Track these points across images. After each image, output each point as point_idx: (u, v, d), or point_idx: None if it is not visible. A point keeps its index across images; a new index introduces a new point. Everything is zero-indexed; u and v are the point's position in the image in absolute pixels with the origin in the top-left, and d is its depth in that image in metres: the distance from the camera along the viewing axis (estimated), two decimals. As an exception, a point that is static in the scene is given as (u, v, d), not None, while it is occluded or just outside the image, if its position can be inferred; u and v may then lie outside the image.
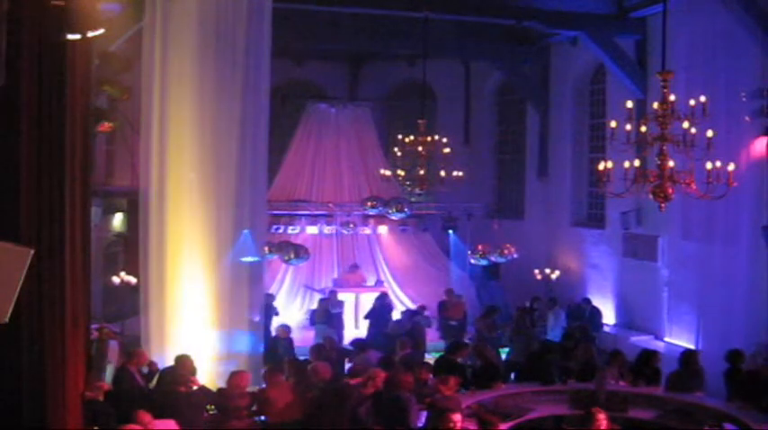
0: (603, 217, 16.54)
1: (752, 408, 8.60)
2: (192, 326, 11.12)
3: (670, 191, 7.65)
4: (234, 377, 8.84)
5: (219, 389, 9.13)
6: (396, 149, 14.31)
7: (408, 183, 14.22)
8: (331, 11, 14.80)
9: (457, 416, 7.12)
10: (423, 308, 14.86)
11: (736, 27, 11.82)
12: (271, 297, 14.71)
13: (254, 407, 8.74)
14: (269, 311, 14.05)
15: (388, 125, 19.72)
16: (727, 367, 9.67)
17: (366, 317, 14.77)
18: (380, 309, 14.63)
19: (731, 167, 7.60)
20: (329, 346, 10.98)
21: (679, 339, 13.38)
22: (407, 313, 14.79)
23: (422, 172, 13.76)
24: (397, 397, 8.02)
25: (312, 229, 17.43)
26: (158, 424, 7.53)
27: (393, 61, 19.77)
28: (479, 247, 16.58)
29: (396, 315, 15.05)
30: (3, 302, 4.53)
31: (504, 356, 12.66)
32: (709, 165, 7.58)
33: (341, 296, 15.19)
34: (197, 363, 9.58)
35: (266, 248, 14.16)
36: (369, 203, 16.43)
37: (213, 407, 8.81)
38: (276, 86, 14.28)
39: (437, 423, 7.35)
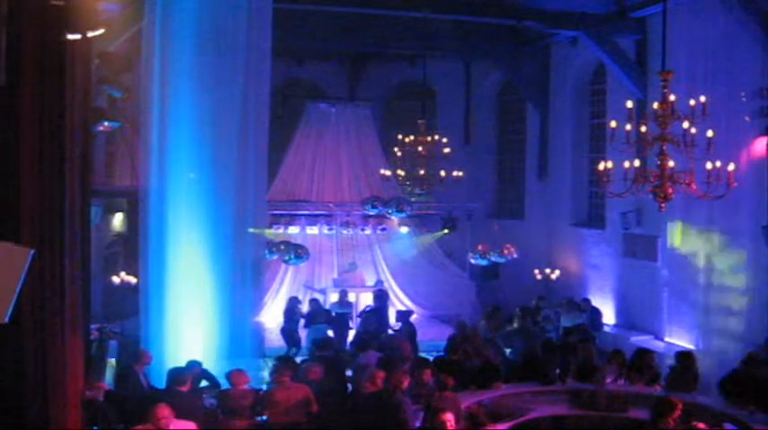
0: (603, 217, 16.54)
1: (757, 410, 8.59)
2: (192, 326, 11.12)
3: (670, 191, 7.66)
4: (233, 376, 8.84)
5: (222, 390, 9.13)
6: (396, 149, 14.32)
7: (408, 183, 14.23)
8: (331, 11, 14.80)
9: (449, 416, 7.12)
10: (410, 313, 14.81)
11: (736, 27, 11.82)
12: (296, 300, 14.67)
13: (257, 407, 8.74)
14: (294, 316, 14.03)
15: (388, 125, 19.70)
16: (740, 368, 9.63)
17: (359, 315, 14.73)
18: (380, 309, 14.61)
19: (731, 167, 7.61)
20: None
21: (679, 339, 13.38)
22: (400, 314, 14.79)
23: (422, 172, 13.77)
24: (390, 397, 8.03)
25: (312, 229, 17.43)
26: (179, 424, 7.51)
27: (393, 61, 19.76)
28: (479, 247, 16.58)
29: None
30: (3, 302, 4.53)
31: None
32: (709, 165, 7.59)
33: (336, 296, 15.17)
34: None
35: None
36: (369, 204, 16.43)
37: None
38: (276, 86, 14.29)
39: (431, 422, 7.36)
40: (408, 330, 13.21)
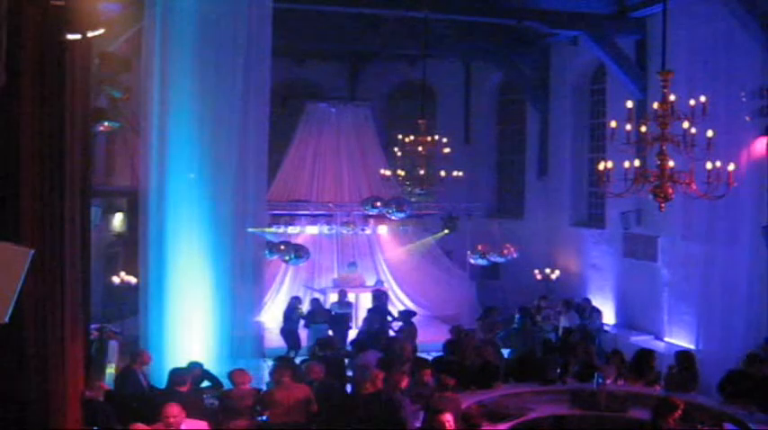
0: (603, 217, 16.54)
1: (757, 410, 8.59)
2: (191, 327, 11.12)
3: (670, 191, 7.64)
4: (236, 376, 8.84)
5: (224, 390, 9.13)
6: (396, 149, 14.30)
7: (408, 183, 14.20)
8: (331, 11, 14.79)
9: (448, 416, 7.13)
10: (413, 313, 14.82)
11: (736, 27, 11.81)
12: (297, 300, 14.65)
13: (257, 407, 8.74)
14: (293, 315, 14.01)
15: (388, 125, 19.71)
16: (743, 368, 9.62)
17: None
18: (380, 308, 14.61)
19: (731, 167, 7.60)
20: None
21: (679, 339, 13.38)
22: (403, 313, 14.81)
23: (422, 172, 13.75)
24: (389, 397, 8.03)
25: (312, 229, 17.44)
26: (190, 423, 7.50)
27: (393, 61, 19.76)
28: (479, 247, 16.57)
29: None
30: (3, 302, 4.53)
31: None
32: (709, 165, 7.57)
33: (335, 296, 15.18)
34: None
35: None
36: (369, 204, 16.42)
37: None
38: (276, 86, 14.27)
39: (430, 423, 7.37)
40: (409, 330, 13.22)
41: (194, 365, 9.33)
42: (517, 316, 13.80)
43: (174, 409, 7.25)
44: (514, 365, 10.80)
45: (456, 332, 11.76)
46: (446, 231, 17.80)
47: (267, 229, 14.13)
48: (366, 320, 13.90)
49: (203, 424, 7.78)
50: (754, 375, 9.34)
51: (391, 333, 13.60)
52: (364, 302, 15.88)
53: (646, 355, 10.34)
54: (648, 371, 10.03)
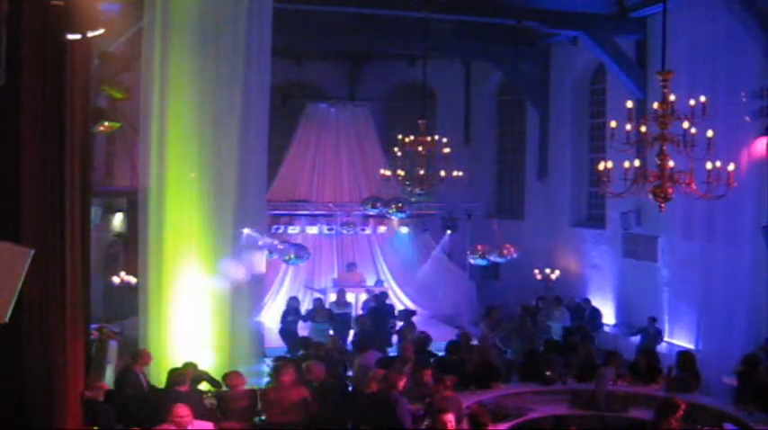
0: (603, 217, 16.54)
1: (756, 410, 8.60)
2: (191, 327, 11.12)
3: (670, 191, 7.65)
4: (230, 378, 8.83)
5: (222, 392, 9.12)
6: (396, 149, 14.30)
7: (408, 183, 14.20)
8: (331, 11, 14.79)
9: (450, 417, 7.13)
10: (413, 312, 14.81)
11: (736, 27, 11.82)
12: (295, 300, 14.65)
13: (255, 408, 8.74)
14: (291, 315, 14.00)
15: (388, 125, 19.70)
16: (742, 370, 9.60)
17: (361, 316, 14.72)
18: (378, 309, 14.61)
19: (731, 167, 7.60)
20: (332, 346, 11.01)
21: (679, 339, 13.37)
22: (403, 313, 14.79)
23: (422, 172, 13.75)
24: (387, 396, 8.04)
25: (312, 229, 17.44)
26: (197, 424, 7.52)
27: (393, 61, 19.77)
28: (478, 247, 16.57)
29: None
30: (3, 302, 4.53)
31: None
32: (709, 165, 7.58)
33: (335, 296, 15.18)
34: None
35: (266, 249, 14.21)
36: (369, 204, 16.42)
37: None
38: (276, 86, 14.27)
39: (432, 423, 7.37)
40: (410, 328, 13.20)
41: (188, 366, 9.31)
42: (517, 316, 13.79)
43: (182, 410, 7.31)
44: (519, 365, 10.80)
45: (464, 338, 11.53)
46: (448, 232, 17.80)
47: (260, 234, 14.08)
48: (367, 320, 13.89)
49: (209, 424, 7.80)
50: (755, 376, 9.34)
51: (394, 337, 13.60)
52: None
53: (649, 356, 10.36)
54: (651, 371, 10.04)
